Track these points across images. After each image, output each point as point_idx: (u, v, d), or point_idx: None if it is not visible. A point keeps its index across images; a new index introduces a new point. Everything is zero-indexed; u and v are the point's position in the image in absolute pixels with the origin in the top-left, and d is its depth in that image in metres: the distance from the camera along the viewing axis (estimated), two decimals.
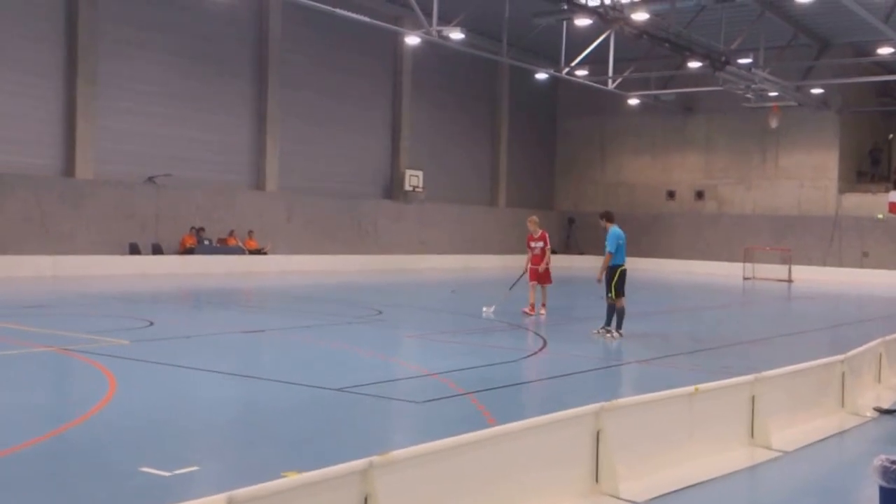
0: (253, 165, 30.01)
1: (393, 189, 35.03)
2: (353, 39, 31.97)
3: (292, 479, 4.01)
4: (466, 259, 37.05)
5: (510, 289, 16.72)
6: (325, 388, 8.81)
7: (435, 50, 31.56)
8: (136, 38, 26.20)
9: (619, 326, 13.16)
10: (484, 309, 16.27)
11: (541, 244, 16.38)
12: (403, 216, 35.11)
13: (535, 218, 16.70)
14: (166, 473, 5.66)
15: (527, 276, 16.39)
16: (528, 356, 11.46)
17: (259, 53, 29.78)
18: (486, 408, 8.00)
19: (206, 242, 27.53)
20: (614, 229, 13.19)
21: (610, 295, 13.07)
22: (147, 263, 25.68)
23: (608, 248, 13.10)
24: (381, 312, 16.67)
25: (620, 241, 13.12)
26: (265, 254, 29.15)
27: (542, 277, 16.24)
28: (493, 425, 6.30)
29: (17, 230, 23.27)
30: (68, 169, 24.89)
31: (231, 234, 28.46)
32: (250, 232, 29.01)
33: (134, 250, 25.87)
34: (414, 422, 7.85)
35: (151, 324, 13.72)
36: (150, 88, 26.65)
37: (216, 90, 28.54)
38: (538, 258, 16.31)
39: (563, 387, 9.68)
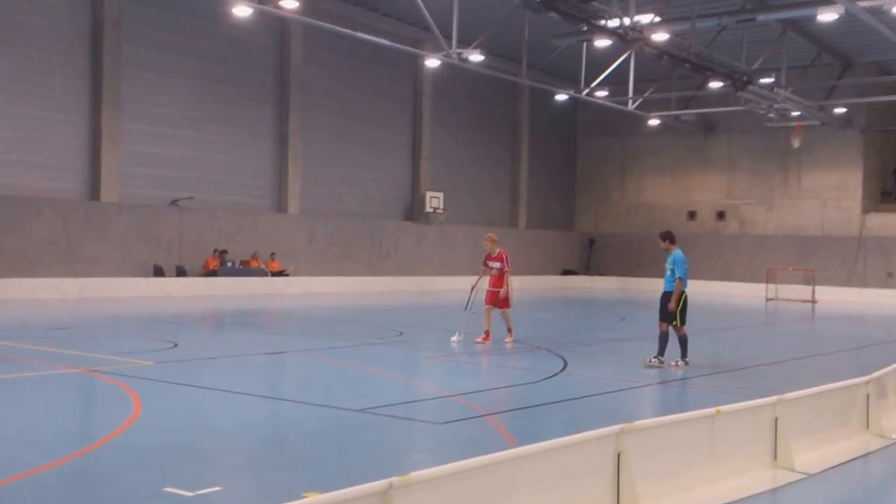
0: (275, 188, 30.26)
1: (413, 210, 35.16)
2: (373, 62, 32.26)
3: (313, 500, 4.03)
4: (487, 280, 36.98)
5: (465, 309, 15.07)
6: (346, 409, 8.84)
7: (455, 72, 31.76)
8: (159, 63, 26.59)
9: (683, 354, 12.59)
10: (452, 339, 14.79)
11: (498, 265, 15.05)
12: (424, 237, 35.20)
13: (492, 236, 15.60)
14: (189, 494, 5.70)
15: (481, 299, 15.05)
16: (548, 377, 11.43)
17: (281, 76, 30.12)
18: (505, 429, 8.00)
19: (229, 264, 27.74)
20: (680, 252, 12.56)
21: (676, 323, 12.42)
22: (171, 285, 25.90)
23: (679, 273, 12.32)
24: (401, 333, 16.70)
25: (686, 266, 12.55)
26: (287, 275, 29.31)
27: (500, 302, 14.93)
28: (512, 446, 6.31)
29: (44, 253, 23.58)
30: (94, 193, 25.23)
31: (254, 256, 28.67)
32: (272, 254, 29.21)
33: (158, 272, 26.12)
34: (434, 443, 7.86)
35: (175, 345, 13.83)
36: (174, 112, 27.01)
37: (238, 113, 28.87)
38: (496, 280, 15.01)
39: (583, 408, 9.65)
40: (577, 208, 44.50)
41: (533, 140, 41.07)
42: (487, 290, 15.06)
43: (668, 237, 12.83)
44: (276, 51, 30.03)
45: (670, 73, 31.52)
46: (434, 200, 34.89)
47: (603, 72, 29.64)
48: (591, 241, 43.13)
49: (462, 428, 8.26)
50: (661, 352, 12.50)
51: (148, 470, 6.45)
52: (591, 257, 43.19)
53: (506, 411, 8.84)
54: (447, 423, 8.41)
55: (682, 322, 12.51)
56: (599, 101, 32.21)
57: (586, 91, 30.38)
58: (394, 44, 25.05)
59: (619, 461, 5.53)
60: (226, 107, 28.43)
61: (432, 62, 27.87)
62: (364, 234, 32.63)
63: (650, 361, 12.49)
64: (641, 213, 41.84)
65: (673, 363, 12.45)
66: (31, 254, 23.32)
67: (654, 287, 14.02)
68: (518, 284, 37.30)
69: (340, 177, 32.23)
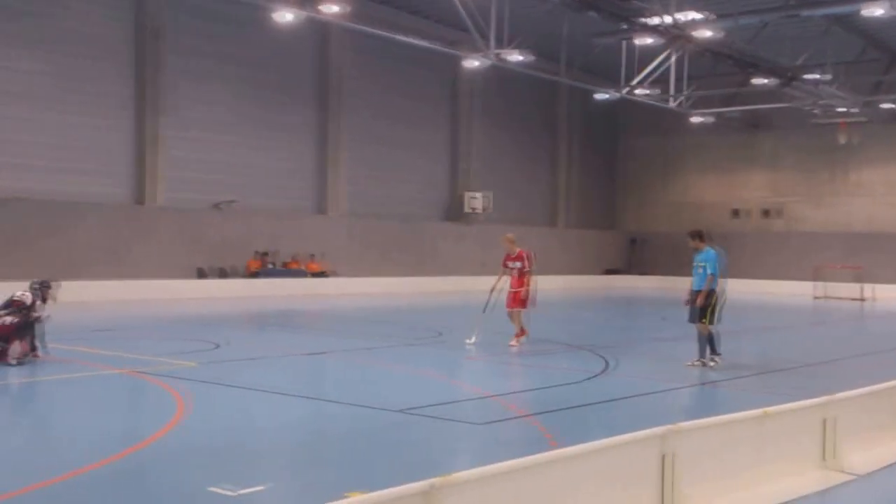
0: (316, 190, 30.47)
1: (453, 211, 35.15)
2: (413, 64, 32.31)
3: (356, 499, 4.02)
4: (508, 282, 36.82)
5: (483, 312, 14.45)
6: (386, 409, 8.85)
7: (494, 72, 31.68)
8: (202, 69, 26.94)
9: (714, 351, 12.29)
10: (466, 341, 14.45)
11: (518, 265, 14.52)
12: (464, 238, 35.17)
13: (511, 235, 15.17)
14: (233, 493, 5.73)
15: (503, 301, 14.47)
16: (591, 378, 11.32)
17: (321, 80, 30.32)
18: (547, 430, 7.93)
19: (271, 266, 28.00)
20: (711, 250, 12.23)
21: (705, 321, 12.10)
22: (213, 287, 26.21)
23: (710, 270, 11.99)
24: (440, 334, 16.68)
25: (718, 264, 12.22)
26: (327, 276, 29.50)
27: (521, 303, 14.41)
28: (555, 448, 6.24)
29: (91, 256, 24.02)
30: (139, 197, 25.65)
31: (294, 257, 28.91)
32: (312, 255, 29.41)
33: (201, 275, 26.46)
34: (475, 444, 7.82)
35: (218, 346, 13.97)
36: (216, 117, 27.35)
37: (280, 117, 29.13)
38: (517, 280, 14.50)
39: (628, 409, 9.53)
40: (619, 207, 44.13)
41: (573, 139, 40.82)
42: (508, 292, 14.52)
43: (698, 235, 12.43)
44: (317, 55, 30.24)
45: (713, 69, 31.10)
46: (474, 201, 34.85)
47: (644, 69, 29.34)
48: (633, 241, 42.74)
49: (503, 429, 8.21)
50: (703, 353, 12.24)
51: (192, 469, 6.51)
52: (633, 256, 42.79)
53: (547, 412, 8.76)
54: (488, 423, 8.36)
55: (711, 321, 12.20)
56: (641, 99, 31.88)
57: (627, 89, 30.09)
58: (433, 45, 25.08)
59: (664, 463, 5.44)
60: (268, 111, 28.70)
61: (472, 63, 27.84)
62: (404, 234, 32.70)
63: (693, 363, 12.23)
64: (685, 212, 41.32)
65: (689, 363, 12.22)
66: (79, 257, 23.76)
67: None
68: (560, 283, 37.42)
69: (381, 178, 32.35)
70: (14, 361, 10.97)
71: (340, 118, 30.59)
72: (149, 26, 25.47)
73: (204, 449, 7.16)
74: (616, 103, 39.89)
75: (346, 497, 5.02)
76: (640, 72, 29.41)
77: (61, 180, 23.95)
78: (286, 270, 28.44)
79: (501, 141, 37.34)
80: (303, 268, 28.96)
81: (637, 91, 31.08)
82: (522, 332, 14.44)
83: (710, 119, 36.16)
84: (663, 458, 5.45)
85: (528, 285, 14.35)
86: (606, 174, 43.69)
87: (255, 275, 27.42)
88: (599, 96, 33.21)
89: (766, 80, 28.06)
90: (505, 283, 14.62)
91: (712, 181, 41.08)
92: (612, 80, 31.68)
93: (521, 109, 38.09)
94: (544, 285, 39.79)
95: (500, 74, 31.68)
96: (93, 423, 8.26)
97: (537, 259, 14.96)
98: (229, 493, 5.74)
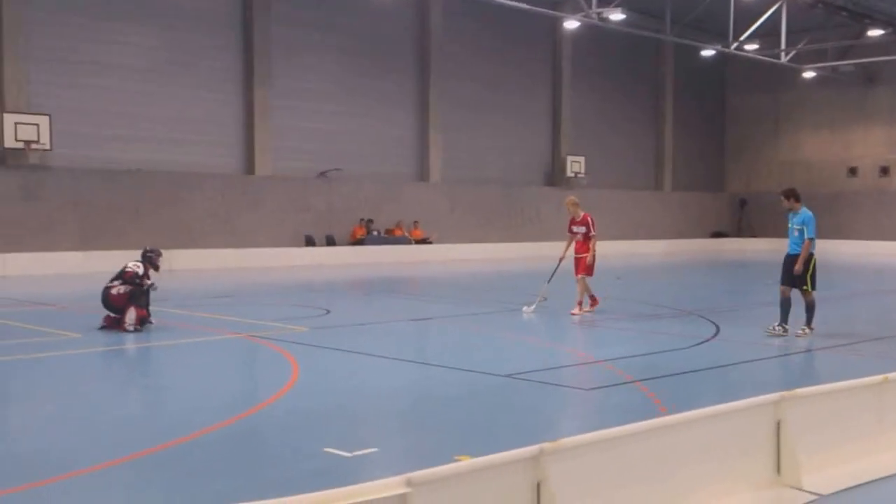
0: (417, 157, 30.73)
1: (554, 175, 34.85)
2: (511, 28, 32.00)
3: (467, 463, 4.10)
4: (631, 245, 36.34)
5: (548, 282, 14.26)
6: (493, 374, 8.94)
7: (594, 33, 31.05)
8: (305, 40, 27.43)
9: (809, 321, 11.63)
10: (524, 308, 14.23)
11: (583, 229, 14.06)
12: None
13: (573, 198, 14.71)
14: (347, 454, 5.93)
15: (571, 267, 14.06)
16: (700, 343, 11.13)
17: (421, 47, 30.41)
18: (656, 396, 7.87)
19: (375, 233, 28.50)
20: (808, 211, 11.45)
21: (807, 288, 11.49)
22: (321, 254, 26.90)
23: (809, 234, 11.31)
24: (545, 299, 16.66)
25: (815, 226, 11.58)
26: (430, 243, 29.81)
27: (587, 269, 13.92)
28: (663, 414, 6.20)
29: (205, 226, 25.02)
30: (248, 167, 26.47)
31: (398, 224, 29.31)
32: (415, 222, 29.75)
33: (309, 242, 27.18)
34: (581, 409, 7.83)
35: (327, 312, 14.38)
36: (320, 87, 27.85)
37: (381, 85, 29.42)
38: (581, 245, 14.05)
39: (738, 375, 9.35)
40: (727, 168, 42.78)
41: (677, 99, 39.70)
42: (574, 258, 14.09)
43: (793, 195, 11.61)
44: (416, 22, 30.31)
45: (825, 21, 29.62)
46: (575, 165, 34.43)
47: (753, 24, 28.19)
48: (743, 202, 41.42)
49: (611, 394, 8.18)
50: (785, 318, 11.58)
51: (308, 431, 6.76)
52: (742, 219, 41.50)
53: (656, 378, 8.67)
54: (595, 388, 8.35)
55: (813, 287, 11.55)
56: (749, 54, 30.71)
57: (735, 45, 29.02)
58: (532, 7, 24.74)
59: (779, 430, 5.34)
60: (369, 79, 29.03)
61: (571, 24, 27.39)
62: (505, 200, 32.65)
63: (773, 329, 11.58)
64: (797, 171, 39.69)
65: (799, 331, 11.55)
66: (194, 226, 24.78)
67: None
68: (665, 248, 36.67)
69: (481, 144, 32.33)
70: (131, 328, 11.51)
71: (439, 84, 30.65)
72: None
73: (318, 411, 7.42)
74: (723, 59, 38.61)
75: (455, 460, 5.14)
76: (748, 26, 28.29)
77: (175, 152, 24.94)
78: (390, 238, 28.90)
79: (601, 103, 36.67)
80: (406, 235, 29.35)
81: (745, 46, 29.94)
82: (594, 300, 14.02)
83: (824, 73, 34.52)
84: (778, 425, 5.35)
85: (593, 250, 13.93)
86: (713, 134, 42.36)
87: (359, 242, 27.98)
88: (705, 53, 32.16)
89: (882, 32, 26.51)
90: (572, 249, 14.24)
91: (826, 139, 39.29)
92: (718, 36, 30.60)
93: (622, 70, 37.24)
94: (647, 249, 39.36)
95: (599, 35, 31.03)
96: (213, 385, 8.66)
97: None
98: (345, 453, 5.94)
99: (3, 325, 12.01)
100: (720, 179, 42.79)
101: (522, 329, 12.71)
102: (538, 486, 4.12)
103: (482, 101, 32.16)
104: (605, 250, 35.76)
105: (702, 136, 41.62)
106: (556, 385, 8.59)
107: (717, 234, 41.17)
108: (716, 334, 11.95)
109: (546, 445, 4.18)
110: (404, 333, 12.57)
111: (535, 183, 34.43)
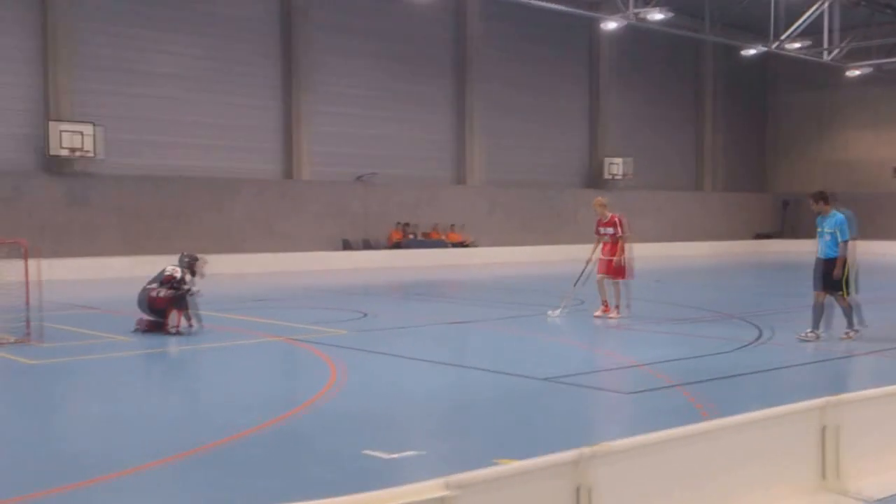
0: (455, 161, 30.75)
1: (593, 177, 34.65)
2: (549, 29, 31.91)
3: (506, 467, 4.08)
4: (672, 247, 35.98)
5: (574, 285, 13.95)
6: (532, 377, 8.89)
7: (633, 33, 30.83)
8: (343, 46, 27.63)
9: (851, 324, 11.34)
10: (549, 313, 13.98)
11: (611, 230, 13.73)
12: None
13: (602, 199, 14.33)
14: (386, 456, 5.94)
15: (594, 269, 13.75)
16: (743, 346, 10.97)
17: (458, 50, 30.44)
18: (697, 400, 7.77)
19: (412, 237, 28.57)
20: (840, 213, 11.06)
21: (842, 293, 11.09)
22: (358, 258, 27.05)
23: (843, 237, 10.96)
24: (583, 302, 16.56)
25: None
26: (468, 246, 29.80)
27: (615, 271, 13.61)
28: (705, 418, 6.13)
29: (245, 230, 25.31)
30: (287, 171, 26.73)
31: (435, 228, 29.35)
32: (453, 225, 29.77)
33: (346, 246, 27.35)
34: (622, 413, 7.76)
35: (365, 315, 14.43)
36: (357, 92, 28.03)
37: (418, 89, 29.51)
38: (610, 247, 13.72)
39: (781, 379, 9.20)
40: (770, 168, 42.16)
41: (718, 99, 39.25)
42: (600, 259, 13.78)
43: (822, 197, 11.25)
44: (454, 25, 30.37)
45: (869, 19, 29.08)
46: (614, 166, 34.20)
47: (795, 22, 27.77)
48: (786, 203, 40.77)
49: (652, 398, 8.09)
50: (817, 324, 11.27)
51: (348, 433, 6.79)
52: (785, 220, 40.86)
53: (698, 382, 8.57)
54: (636, 393, 8.28)
55: (851, 290, 11.16)
56: (792, 53, 30.24)
57: (777, 44, 28.59)
58: (570, 8, 24.64)
59: (824, 436, 5.24)
60: (406, 83, 29.14)
61: (609, 25, 27.22)
62: (543, 202, 32.54)
63: (806, 335, 11.27)
64: (841, 172, 38.98)
65: (844, 335, 11.26)
66: (234, 231, 25.08)
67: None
68: (707, 250, 36.22)
69: (518, 147, 32.26)
70: (173, 330, 11.67)
71: (477, 88, 30.66)
72: (294, 6, 26.34)
73: (357, 414, 7.44)
74: (764, 59, 38.06)
75: (495, 463, 5.13)
76: (791, 24, 27.87)
77: (217, 158, 25.28)
78: (428, 241, 28.96)
79: (640, 105, 36.39)
80: (444, 238, 29.38)
81: (788, 45, 29.49)
82: (608, 306, 13.60)
83: (869, 71, 33.86)
84: (823, 430, 5.25)
85: (621, 253, 13.54)
86: (755, 134, 41.79)
87: (397, 245, 28.07)
88: (747, 52, 31.75)
89: None
90: (599, 252, 13.89)
91: (870, 138, 38.53)
92: (760, 35, 30.19)
93: (661, 71, 36.93)
94: (687, 251, 38.87)
95: (638, 36, 30.80)
96: (254, 388, 8.75)
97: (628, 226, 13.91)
98: (384, 455, 5.95)
99: (53, 329, 12.25)
100: (763, 180, 42.21)
101: (561, 332, 12.64)
102: (578, 490, 4.09)
103: (520, 104, 32.09)
104: (645, 252, 35.41)
105: (744, 136, 41.09)
106: (595, 389, 8.53)
107: (761, 236, 40.59)
108: (758, 338, 11.77)
109: (586, 450, 4.14)
110: (443, 336, 12.56)
111: (574, 185, 34.27)
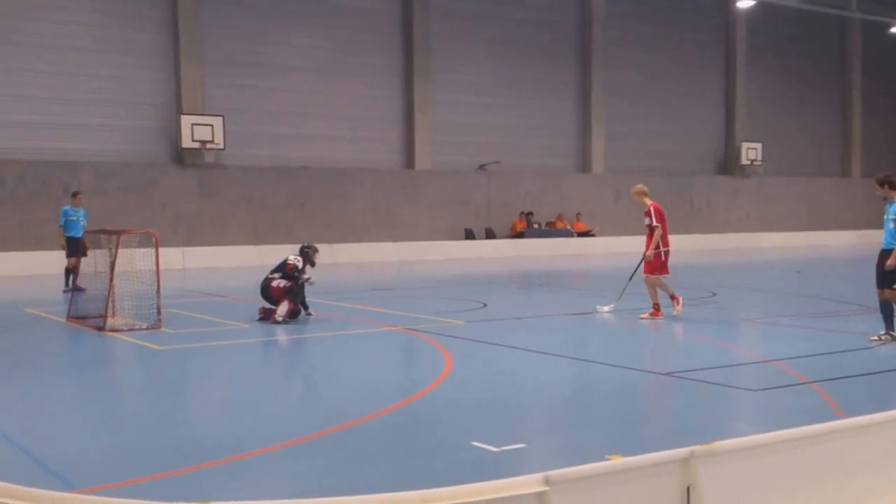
0: (578, 149, 30.19)
1: (728, 164, 33.29)
2: (678, 11, 30.85)
3: (608, 463, 3.90)
4: (813, 236, 34.17)
5: (630, 280, 13.12)
6: (653, 371, 8.55)
7: (771, 11, 29.37)
8: (464, 33, 27.57)
9: (891, 326, 10.04)
10: (598, 307, 13.14)
11: (647, 221, 12.49)
12: (740, 192, 33.24)
13: (640, 187, 12.90)
14: (495, 449, 5.79)
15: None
16: (888, 343, 10.14)
17: (581, 37, 29.83)
18: (832, 398, 7.20)
19: (535, 226, 28.25)
20: None
21: (895, 287, 9.84)
22: (481, 247, 26.98)
23: None
24: (714, 294, 15.86)
25: None
26: (593, 235, 29.22)
27: (650, 267, 12.36)
28: (839, 418, 5.64)
29: (366, 220, 25.69)
30: (408, 161, 26.93)
31: (559, 217, 28.92)
32: (578, 214, 29.26)
33: (469, 235, 27.31)
34: (748, 411, 7.28)
35: (485, 305, 14.29)
36: (478, 80, 27.92)
37: (540, 76, 29.12)
38: (649, 240, 12.48)
39: None
40: None
41: (866, 79, 36.90)
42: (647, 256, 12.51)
43: (888, 181, 9.91)
44: (577, 10, 29.78)
45: None
46: (751, 152, 32.76)
47: None
48: None
49: (780, 396, 7.57)
50: (890, 324, 9.99)
51: (457, 424, 6.67)
52: None
53: (834, 379, 7.96)
54: (764, 389, 7.76)
55: None
56: None
57: None
58: None
59: None
60: (528, 70, 28.80)
61: (745, 3, 26.00)
62: (673, 190, 31.51)
63: (879, 338, 10.04)
64: None
65: (874, 338, 10.04)
66: (356, 220, 25.51)
67: None
68: (852, 239, 34.14)
69: (645, 133, 31.37)
70: (280, 319, 11.89)
71: (601, 74, 29.98)
72: None
73: (469, 404, 7.31)
74: None
75: (607, 459, 4.87)
76: None
77: (339, 148, 25.77)
78: (551, 230, 28.58)
79: (779, 86, 34.66)
80: (568, 227, 28.92)
81: None
82: (657, 308, 12.33)
83: None
84: None
85: (656, 243, 12.34)
86: None
87: (520, 235, 27.83)
88: None
89: None
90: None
91: None
92: None
93: (803, 50, 35.02)
94: (834, 241, 36.78)
95: (777, 13, 29.31)
96: (370, 376, 8.76)
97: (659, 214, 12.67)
98: (492, 448, 5.79)
99: (179, 315, 12.73)
100: None
101: (688, 325, 12.10)
102: (688, 490, 3.82)
103: (646, 89, 31.17)
104: (783, 242, 33.81)
105: (893, 119, 38.48)
106: (719, 385, 8.05)
107: None
108: None
109: (697, 448, 3.89)
110: (562, 328, 12.27)
111: (707, 172, 33.04)
